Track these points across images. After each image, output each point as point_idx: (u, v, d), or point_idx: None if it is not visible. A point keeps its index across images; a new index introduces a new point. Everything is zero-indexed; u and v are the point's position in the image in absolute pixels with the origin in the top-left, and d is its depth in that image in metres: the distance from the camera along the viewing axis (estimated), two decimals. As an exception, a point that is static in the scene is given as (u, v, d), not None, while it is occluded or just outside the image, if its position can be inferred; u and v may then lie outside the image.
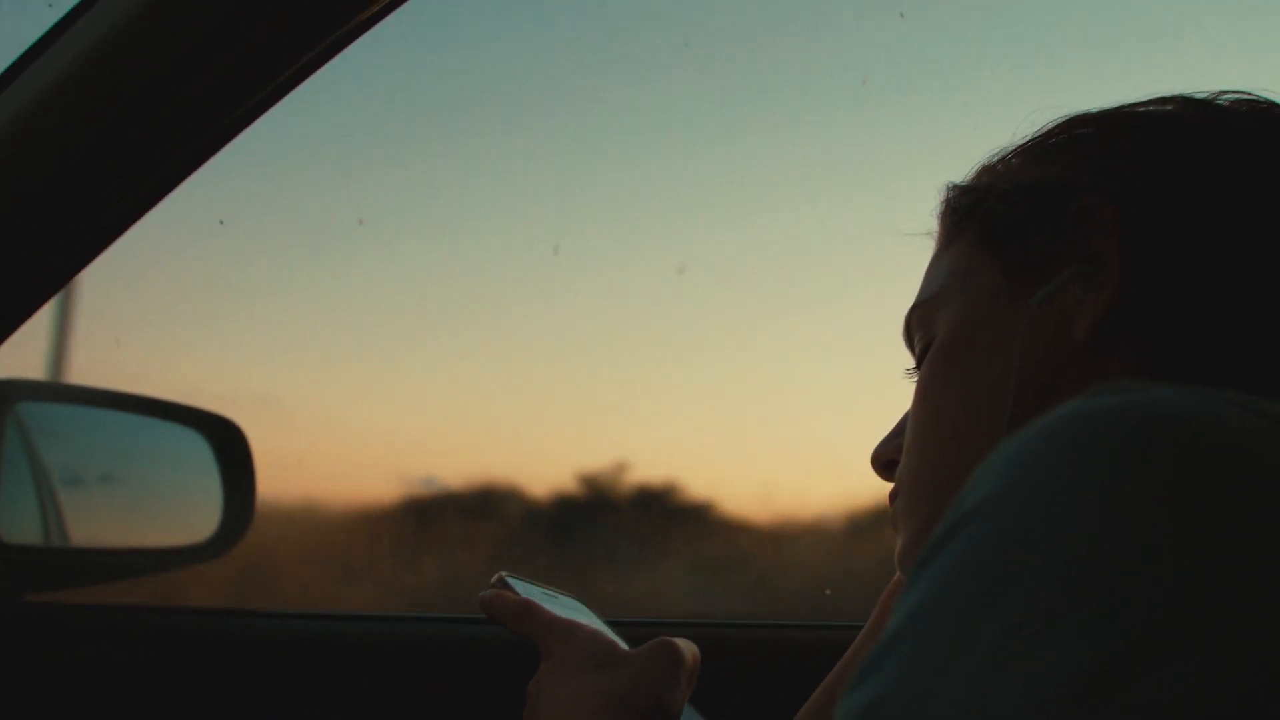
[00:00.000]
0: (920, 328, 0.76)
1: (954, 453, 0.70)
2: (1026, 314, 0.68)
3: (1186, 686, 0.37)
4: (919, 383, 0.74)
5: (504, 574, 0.96)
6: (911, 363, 0.78)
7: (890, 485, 0.78)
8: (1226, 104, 0.70)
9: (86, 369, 2.16)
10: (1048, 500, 0.43)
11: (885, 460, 0.79)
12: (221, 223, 2.10)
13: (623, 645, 0.93)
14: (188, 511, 1.59)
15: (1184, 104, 0.71)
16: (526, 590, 0.95)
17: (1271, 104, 0.70)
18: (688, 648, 0.85)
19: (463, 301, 2.99)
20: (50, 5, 0.96)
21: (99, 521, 1.63)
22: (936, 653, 0.42)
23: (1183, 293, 0.65)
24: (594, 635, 0.86)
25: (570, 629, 0.86)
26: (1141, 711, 0.37)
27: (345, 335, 2.87)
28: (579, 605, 1.02)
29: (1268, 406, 0.45)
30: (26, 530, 1.50)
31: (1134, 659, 0.37)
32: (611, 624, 1.01)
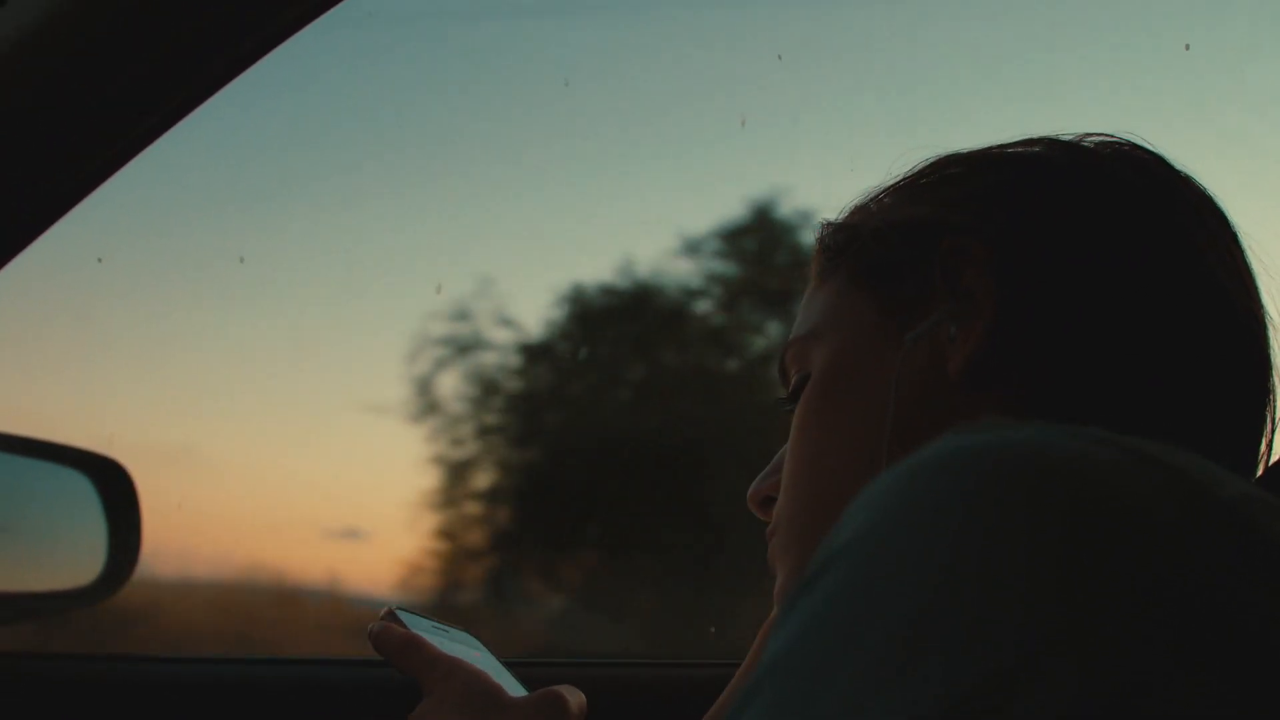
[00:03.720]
0: (795, 363, 0.76)
1: (830, 489, 0.70)
2: (901, 351, 0.69)
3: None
4: (795, 419, 0.74)
5: (394, 606, 0.93)
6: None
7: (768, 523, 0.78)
8: (1091, 145, 0.72)
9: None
10: (907, 540, 0.43)
11: (762, 497, 0.79)
12: (100, 260, 2.06)
13: (518, 687, 0.91)
14: (71, 555, 1.54)
15: (1051, 145, 0.72)
16: (416, 624, 0.92)
17: (1134, 145, 0.72)
18: (574, 698, 0.83)
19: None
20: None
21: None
22: (799, 694, 0.42)
23: (1052, 330, 0.66)
24: (475, 676, 0.84)
25: (452, 667, 0.84)
26: None
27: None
28: (474, 641, 0.99)
29: (1130, 443, 0.46)
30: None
31: (988, 696, 0.37)
32: (508, 664, 0.99)
